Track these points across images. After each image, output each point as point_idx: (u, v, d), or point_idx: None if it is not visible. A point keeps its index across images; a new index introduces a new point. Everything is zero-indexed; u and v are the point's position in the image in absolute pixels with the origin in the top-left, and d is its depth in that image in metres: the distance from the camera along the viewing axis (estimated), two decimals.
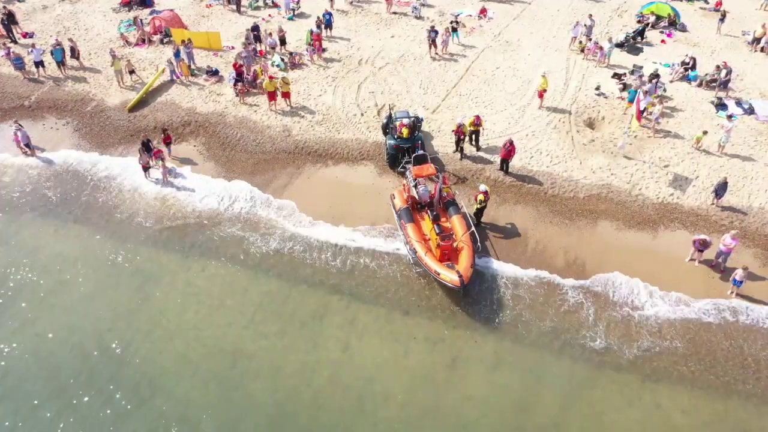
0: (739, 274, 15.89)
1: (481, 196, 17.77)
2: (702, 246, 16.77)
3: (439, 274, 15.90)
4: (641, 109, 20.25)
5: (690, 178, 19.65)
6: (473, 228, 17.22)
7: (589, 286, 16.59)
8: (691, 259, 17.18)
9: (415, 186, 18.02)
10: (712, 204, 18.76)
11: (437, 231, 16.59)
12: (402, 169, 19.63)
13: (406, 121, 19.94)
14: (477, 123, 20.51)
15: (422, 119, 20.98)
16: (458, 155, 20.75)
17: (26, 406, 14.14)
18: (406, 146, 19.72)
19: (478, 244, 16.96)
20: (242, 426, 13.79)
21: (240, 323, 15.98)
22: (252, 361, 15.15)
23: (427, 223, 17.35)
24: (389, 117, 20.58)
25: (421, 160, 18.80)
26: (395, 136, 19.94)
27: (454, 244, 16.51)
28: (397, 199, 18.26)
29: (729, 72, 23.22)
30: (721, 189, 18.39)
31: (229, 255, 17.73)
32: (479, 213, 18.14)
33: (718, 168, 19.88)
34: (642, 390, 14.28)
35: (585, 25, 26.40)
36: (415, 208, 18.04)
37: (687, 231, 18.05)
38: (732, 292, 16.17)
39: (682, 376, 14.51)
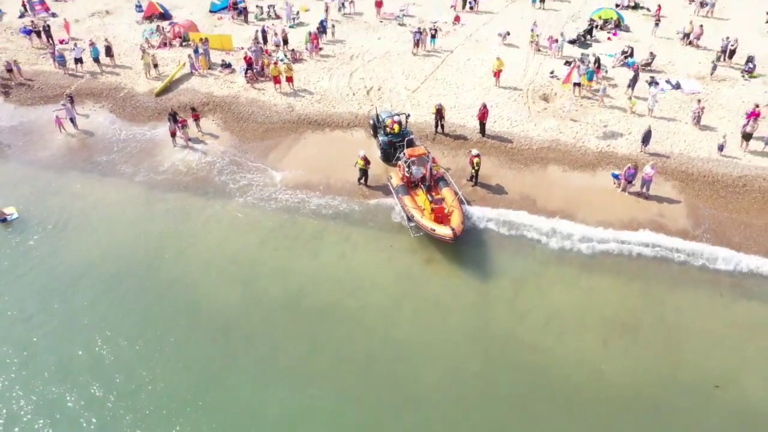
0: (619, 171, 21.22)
1: (476, 159, 20.89)
2: (628, 177, 20.75)
3: (434, 231, 18.49)
4: (575, 81, 25.12)
5: (624, 134, 23.85)
6: (460, 194, 20.19)
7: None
8: (622, 190, 21.13)
9: (409, 166, 20.74)
10: (641, 151, 22.86)
11: (430, 199, 19.25)
12: (396, 160, 22.37)
13: (396, 118, 22.36)
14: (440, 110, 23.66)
15: (409, 115, 23.70)
16: (438, 131, 24.21)
17: (82, 299, 17.80)
18: (397, 141, 22.25)
19: (466, 204, 20.04)
20: (259, 310, 17.32)
21: (254, 242, 19.72)
22: (265, 265, 18.84)
23: (421, 197, 20.06)
24: (376, 117, 23.79)
25: (411, 144, 21.69)
26: (386, 132, 22.55)
27: (446, 210, 19.12)
28: (393, 179, 20.90)
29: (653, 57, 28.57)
30: (646, 137, 22.55)
31: (244, 196, 21.60)
32: (477, 174, 21.33)
33: (647, 127, 24.03)
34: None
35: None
36: (409, 186, 20.64)
37: (620, 171, 22.05)
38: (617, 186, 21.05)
39: None
